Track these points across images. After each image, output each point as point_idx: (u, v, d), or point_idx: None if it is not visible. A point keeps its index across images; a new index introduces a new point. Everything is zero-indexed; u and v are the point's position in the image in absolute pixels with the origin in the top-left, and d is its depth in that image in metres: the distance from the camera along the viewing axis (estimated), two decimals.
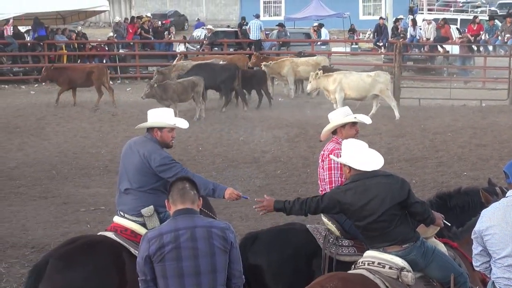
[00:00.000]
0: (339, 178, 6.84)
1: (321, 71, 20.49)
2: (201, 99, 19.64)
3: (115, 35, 30.44)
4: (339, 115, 7.11)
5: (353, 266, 6.17)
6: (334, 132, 7.12)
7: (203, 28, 35.95)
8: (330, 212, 6.42)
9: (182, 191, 5.28)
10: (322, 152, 7.12)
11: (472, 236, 5.50)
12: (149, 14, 36.37)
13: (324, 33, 33.47)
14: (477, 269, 5.66)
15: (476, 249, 5.49)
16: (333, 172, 6.91)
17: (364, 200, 5.94)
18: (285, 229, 6.92)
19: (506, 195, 5.45)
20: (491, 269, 5.44)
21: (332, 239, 6.67)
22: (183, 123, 7.03)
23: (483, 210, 5.54)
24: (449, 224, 6.44)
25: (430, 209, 6.19)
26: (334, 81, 19.33)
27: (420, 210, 6.04)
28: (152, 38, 31.30)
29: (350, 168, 6.10)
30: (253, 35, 30.47)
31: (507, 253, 5.26)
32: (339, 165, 6.78)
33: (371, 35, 34.66)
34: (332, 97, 19.46)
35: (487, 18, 33.59)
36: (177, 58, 26.13)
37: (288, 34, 32.33)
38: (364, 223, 6.00)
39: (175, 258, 5.14)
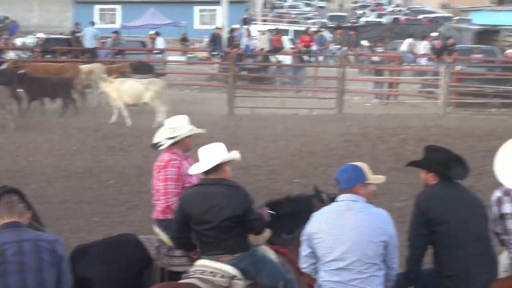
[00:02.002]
0: (174, 190, 6.83)
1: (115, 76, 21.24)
2: (9, 109, 19.17)
3: None
4: (185, 125, 7.06)
5: (184, 275, 6.18)
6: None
7: (34, 35, 34.91)
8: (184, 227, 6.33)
9: (9, 204, 5.10)
10: (157, 163, 7.05)
11: (302, 239, 5.64)
12: None
13: (161, 42, 33.39)
14: (304, 270, 5.78)
15: (304, 251, 5.62)
16: (168, 183, 6.87)
17: (205, 205, 5.98)
18: (116, 241, 6.83)
19: (337, 200, 5.63)
20: (317, 271, 5.60)
21: (164, 250, 6.65)
22: None
23: (314, 213, 5.68)
24: (274, 212, 6.61)
25: (265, 223, 6.31)
26: (114, 88, 20.18)
27: (257, 227, 6.18)
28: None
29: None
30: (88, 42, 29.93)
31: (335, 256, 5.42)
32: (174, 177, 6.83)
33: (207, 44, 34.92)
34: (114, 104, 20.24)
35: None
36: (4, 64, 25.22)
37: (124, 42, 32.02)
38: (201, 228, 6.03)
39: (1, 273, 4.94)
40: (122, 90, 20.04)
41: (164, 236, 6.71)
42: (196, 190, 6.17)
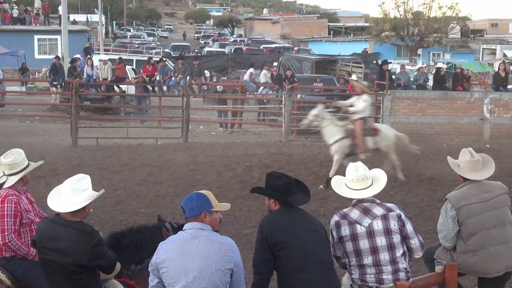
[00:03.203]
0: (12, 226, 6.64)
1: None
2: None
3: None
4: (25, 159, 6.89)
5: None
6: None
7: None
8: None
9: None
10: None
11: (149, 269, 5.58)
12: None
13: None
14: None
15: (152, 281, 5.57)
16: (6, 219, 6.66)
17: (50, 244, 5.81)
18: None
19: (184, 229, 5.61)
20: None
21: None
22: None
23: (160, 243, 5.65)
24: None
25: (116, 261, 6.17)
26: None
27: (105, 271, 6.06)
28: None
29: None
30: None
31: (182, 285, 5.39)
32: (12, 213, 6.64)
33: (46, 74, 34.03)
34: None
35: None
36: None
37: None
38: (47, 265, 5.85)
39: None
40: None
41: (2, 275, 6.44)
42: (45, 226, 5.94)
